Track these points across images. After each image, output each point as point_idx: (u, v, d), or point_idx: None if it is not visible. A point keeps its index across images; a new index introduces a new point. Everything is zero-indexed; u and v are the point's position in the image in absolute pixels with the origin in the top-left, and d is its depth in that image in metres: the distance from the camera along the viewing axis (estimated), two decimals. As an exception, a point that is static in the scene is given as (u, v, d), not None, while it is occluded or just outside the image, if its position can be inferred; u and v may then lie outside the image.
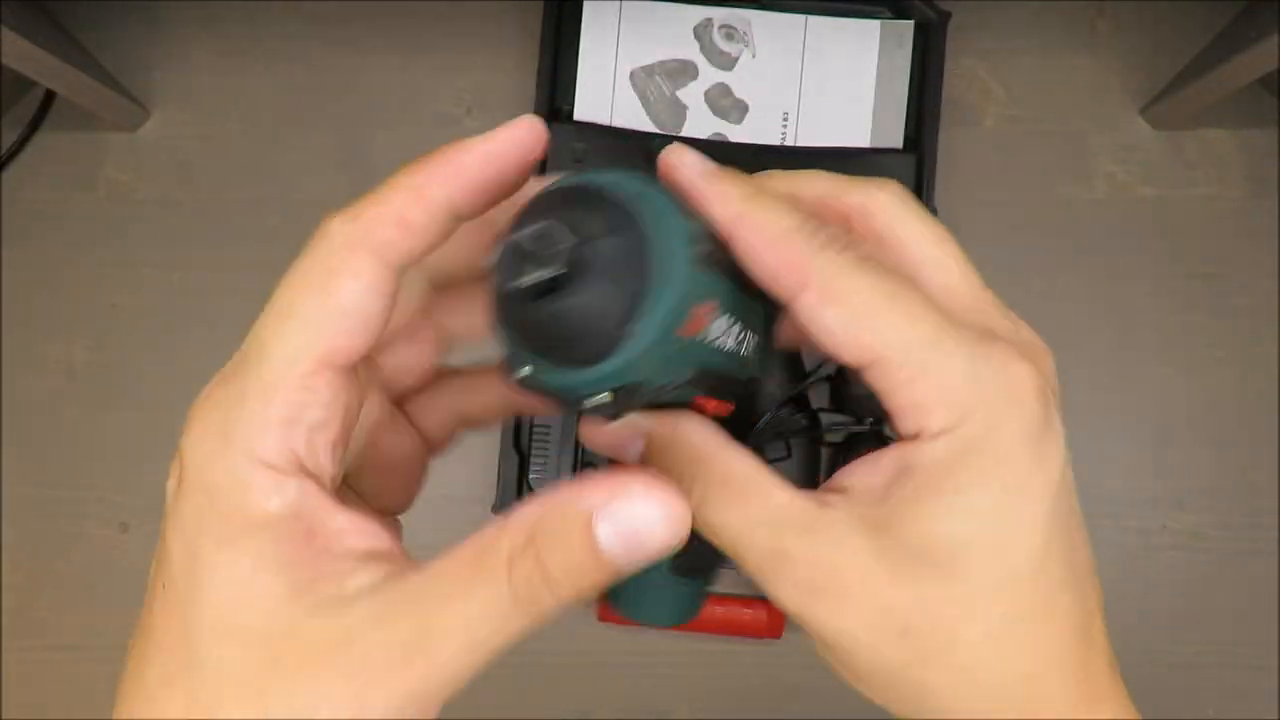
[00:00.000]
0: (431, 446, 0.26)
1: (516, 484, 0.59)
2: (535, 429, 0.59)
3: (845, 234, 0.21)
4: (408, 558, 0.20)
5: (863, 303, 0.20)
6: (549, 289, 0.18)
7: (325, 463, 0.20)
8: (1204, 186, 0.65)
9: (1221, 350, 0.64)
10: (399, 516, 0.26)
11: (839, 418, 0.60)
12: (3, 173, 0.67)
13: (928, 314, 0.21)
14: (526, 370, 0.19)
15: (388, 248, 0.19)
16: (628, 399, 0.19)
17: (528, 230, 0.17)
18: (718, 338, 0.21)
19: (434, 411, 0.26)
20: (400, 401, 0.25)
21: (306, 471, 0.19)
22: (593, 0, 0.62)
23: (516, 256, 0.17)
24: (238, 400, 0.19)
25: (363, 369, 0.21)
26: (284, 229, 0.66)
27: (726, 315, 0.21)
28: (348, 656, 0.18)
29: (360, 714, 0.17)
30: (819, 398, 0.61)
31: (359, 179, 0.66)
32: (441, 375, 0.26)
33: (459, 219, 0.20)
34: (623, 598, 0.31)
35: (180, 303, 0.65)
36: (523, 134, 0.20)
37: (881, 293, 0.20)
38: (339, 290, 0.19)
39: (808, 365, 0.61)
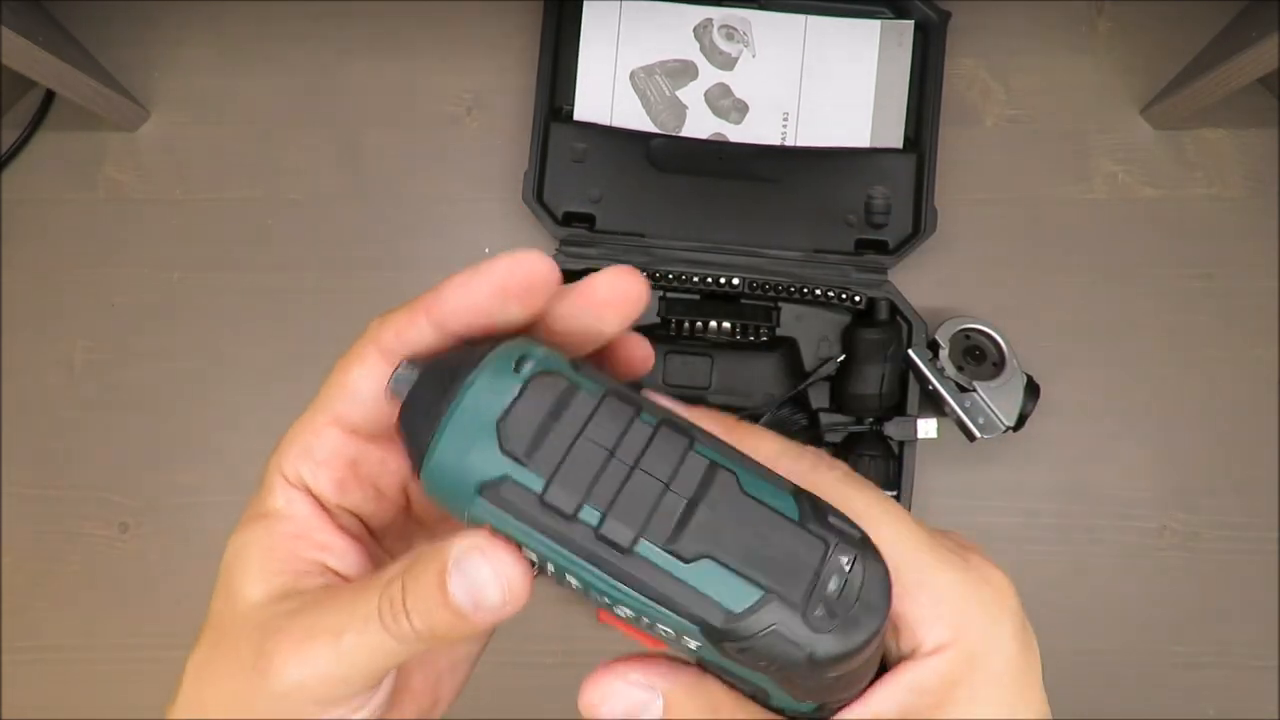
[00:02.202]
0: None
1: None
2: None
3: (822, 456, 0.24)
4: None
5: (860, 512, 0.21)
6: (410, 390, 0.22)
7: (326, 491, 0.25)
8: (1204, 186, 0.65)
9: (1221, 350, 0.64)
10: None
11: (839, 418, 0.60)
12: (3, 173, 0.67)
13: (916, 529, 0.23)
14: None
15: (390, 347, 0.24)
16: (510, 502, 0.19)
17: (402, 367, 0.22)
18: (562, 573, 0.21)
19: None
20: None
21: (309, 491, 0.25)
22: (593, 0, 0.62)
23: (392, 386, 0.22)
24: (293, 426, 0.25)
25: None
26: (283, 229, 0.66)
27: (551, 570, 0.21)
28: (259, 639, 0.22)
29: (250, 686, 0.22)
30: (819, 398, 0.61)
31: (358, 179, 0.66)
32: None
33: (457, 335, 0.24)
34: None
35: (180, 303, 0.65)
36: (526, 269, 0.24)
37: (875, 504, 0.22)
38: (349, 372, 0.24)
39: (808, 365, 0.61)
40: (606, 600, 0.20)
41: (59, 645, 0.63)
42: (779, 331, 0.62)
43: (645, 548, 0.19)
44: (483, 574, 0.20)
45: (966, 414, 0.58)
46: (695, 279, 0.60)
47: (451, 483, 0.20)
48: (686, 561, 0.19)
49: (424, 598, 0.21)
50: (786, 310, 0.62)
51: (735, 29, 0.63)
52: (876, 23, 0.63)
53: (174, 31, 0.67)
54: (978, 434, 0.58)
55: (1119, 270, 0.65)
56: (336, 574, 0.25)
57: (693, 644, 0.20)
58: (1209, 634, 0.62)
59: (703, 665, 0.21)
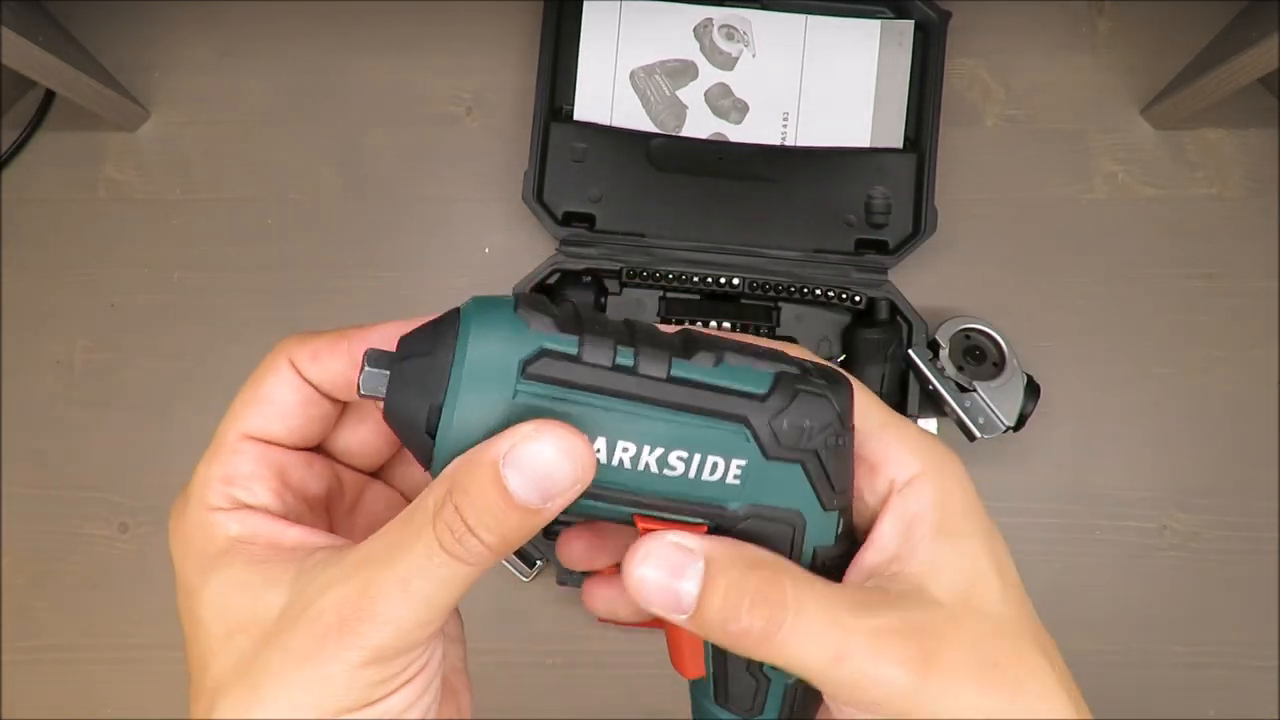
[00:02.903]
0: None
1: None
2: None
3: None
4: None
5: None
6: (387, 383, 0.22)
7: (268, 502, 0.24)
8: (1204, 186, 0.65)
9: (1221, 350, 0.64)
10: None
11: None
12: (3, 173, 0.67)
13: (875, 398, 0.26)
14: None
15: (302, 364, 0.25)
16: None
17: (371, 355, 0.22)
18: (599, 452, 0.22)
19: None
20: None
21: (251, 508, 0.24)
22: (593, 0, 0.62)
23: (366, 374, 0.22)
24: (193, 476, 0.25)
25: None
26: (283, 228, 0.66)
27: (593, 432, 0.21)
28: (308, 620, 0.21)
29: (323, 677, 0.20)
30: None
31: (358, 178, 0.66)
32: None
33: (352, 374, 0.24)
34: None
35: (180, 302, 0.65)
36: None
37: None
38: (263, 384, 0.25)
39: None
40: (658, 457, 0.21)
41: (59, 645, 0.63)
42: (779, 331, 0.62)
43: (679, 367, 0.21)
44: (546, 455, 0.20)
45: (966, 414, 0.58)
46: (695, 279, 0.60)
47: (487, 389, 0.20)
48: (714, 365, 0.22)
49: (485, 509, 0.20)
50: (786, 310, 0.62)
51: (735, 29, 0.63)
52: (876, 23, 0.63)
53: (174, 31, 0.67)
54: (978, 434, 0.58)
55: (1119, 270, 0.65)
56: (328, 546, 0.24)
57: (739, 464, 0.22)
58: (1209, 634, 0.62)
59: (741, 533, 0.23)
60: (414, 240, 0.65)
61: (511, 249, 0.65)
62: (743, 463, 0.22)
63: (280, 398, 0.24)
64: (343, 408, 0.26)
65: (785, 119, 0.63)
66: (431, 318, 0.22)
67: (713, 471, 0.22)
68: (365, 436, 0.27)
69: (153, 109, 0.67)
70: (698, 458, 0.22)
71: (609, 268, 0.60)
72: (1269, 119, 0.65)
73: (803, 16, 0.63)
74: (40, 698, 0.63)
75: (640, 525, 0.22)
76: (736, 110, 0.63)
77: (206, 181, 0.67)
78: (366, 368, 0.22)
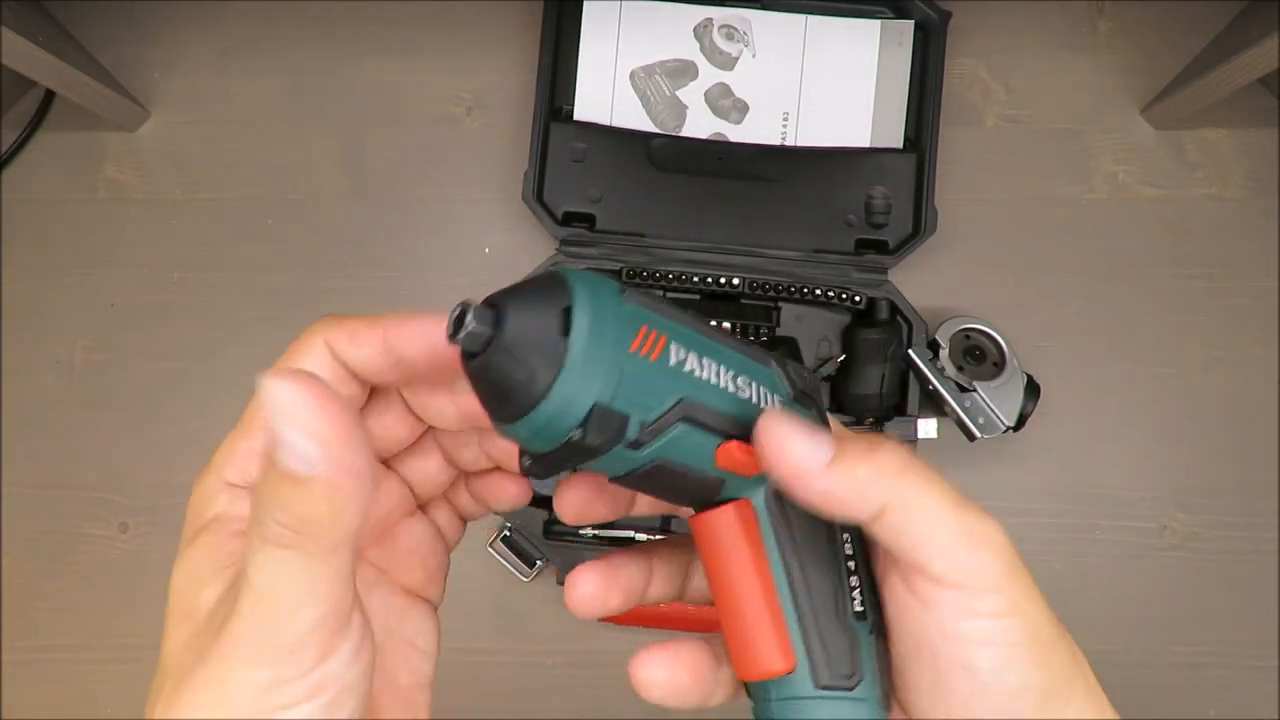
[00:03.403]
0: (445, 538, 0.30)
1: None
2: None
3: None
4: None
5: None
6: (488, 341, 0.21)
7: None
8: (1204, 186, 0.65)
9: (1221, 350, 0.64)
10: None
11: (839, 418, 0.60)
12: (3, 173, 0.67)
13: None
14: (512, 433, 0.22)
15: (339, 348, 0.24)
16: (611, 426, 0.21)
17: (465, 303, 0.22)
18: (693, 368, 0.23)
19: (444, 507, 0.30)
20: (423, 505, 0.30)
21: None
22: (593, 0, 0.62)
23: (456, 319, 0.21)
24: (221, 443, 0.25)
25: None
26: (283, 228, 0.66)
27: (687, 346, 0.23)
28: (220, 623, 0.21)
29: (226, 679, 0.21)
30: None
31: (358, 178, 0.66)
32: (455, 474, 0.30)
33: (401, 361, 0.24)
34: None
35: (180, 302, 0.65)
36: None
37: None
38: (296, 364, 0.24)
39: (808, 366, 0.61)
40: (732, 378, 0.24)
41: (59, 645, 0.63)
42: (779, 331, 0.62)
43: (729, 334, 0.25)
44: (278, 410, 0.19)
45: (966, 414, 0.58)
46: (695, 279, 0.60)
47: (599, 361, 0.21)
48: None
49: (264, 490, 0.20)
50: (786, 310, 0.62)
51: (735, 29, 0.63)
52: (876, 23, 0.63)
53: (174, 31, 0.67)
54: (978, 434, 0.58)
55: (1119, 270, 0.65)
56: None
57: (779, 399, 0.25)
58: (1209, 634, 0.62)
59: None
60: (414, 240, 0.65)
61: (511, 249, 0.65)
62: (780, 398, 0.25)
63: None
64: (369, 395, 0.26)
65: (785, 119, 0.63)
66: (526, 280, 0.23)
67: (766, 402, 0.25)
68: (388, 426, 0.27)
69: (153, 109, 0.67)
70: (755, 387, 0.25)
71: (609, 268, 0.60)
72: (1269, 119, 0.65)
73: (803, 16, 0.63)
74: (40, 698, 0.63)
75: (723, 453, 0.24)
76: (736, 110, 0.63)
77: (206, 181, 0.67)
78: (471, 321, 0.21)
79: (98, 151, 0.67)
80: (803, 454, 0.23)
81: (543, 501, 0.60)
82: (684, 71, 0.63)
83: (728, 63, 0.63)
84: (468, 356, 0.22)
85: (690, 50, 0.63)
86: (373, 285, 0.65)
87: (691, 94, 0.63)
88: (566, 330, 0.21)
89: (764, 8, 0.63)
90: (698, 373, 0.23)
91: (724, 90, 0.63)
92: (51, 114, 0.67)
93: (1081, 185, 0.65)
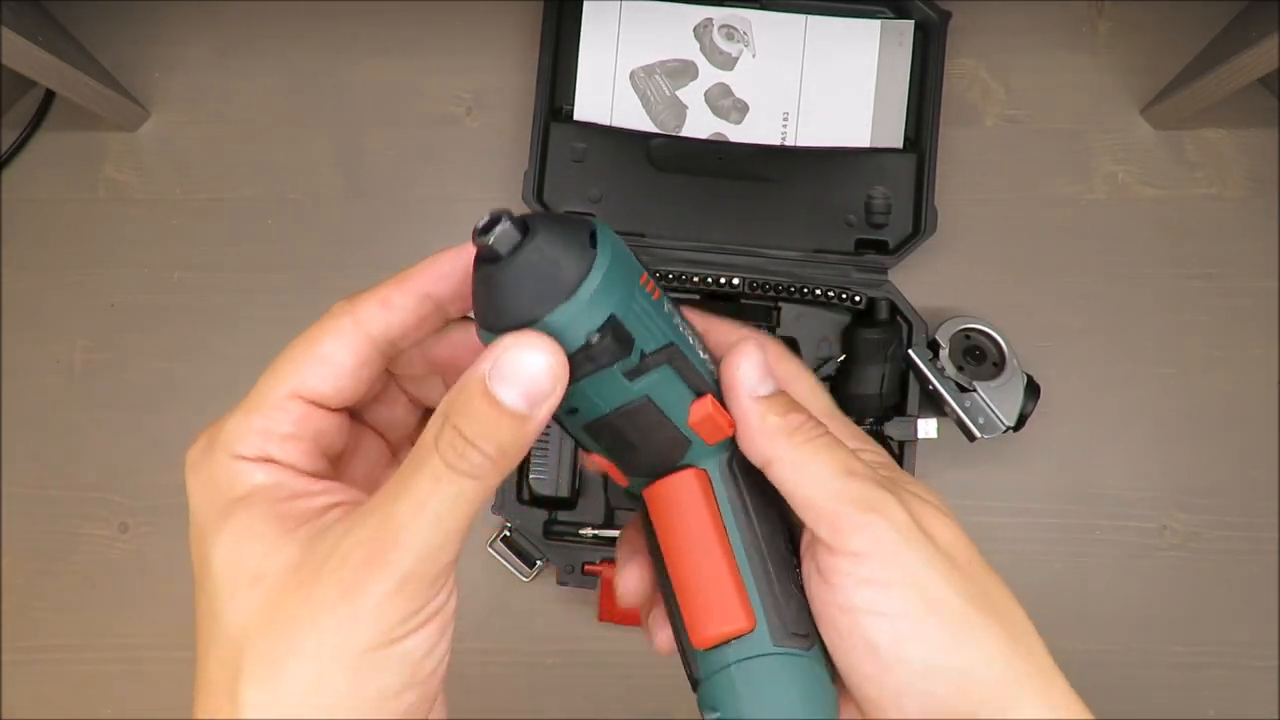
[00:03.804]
0: None
1: (516, 484, 0.59)
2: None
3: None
4: None
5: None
6: (518, 246, 0.23)
7: (297, 461, 0.24)
8: (1204, 186, 0.65)
9: (1221, 350, 0.64)
10: None
11: (839, 418, 0.60)
12: (3, 173, 0.67)
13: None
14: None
15: (369, 318, 0.25)
16: (621, 340, 0.23)
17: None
18: (679, 324, 0.25)
19: None
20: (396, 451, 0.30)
21: (279, 462, 0.24)
22: (593, 0, 0.62)
23: (487, 223, 0.23)
24: (224, 420, 0.24)
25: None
26: (283, 228, 0.66)
27: (674, 307, 0.25)
28: (332, 566, 0.22)
29: (353, 612, 0.21)
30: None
31: (358, 179, 0.66)
32: None
33: (438, 306, 0.26)
34: (716, 687, 0.26)
35: (180, 302, 0.65)
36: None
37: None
38: (321, 342, 0.25)
39: (809, 364, 0.61)
40: (701, 344, 0.26)
41: (59, 645, 0.63)
42: (779, 331, 0.62)
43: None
44: (525, 360, 0.22)
45: (966, 414, 0.58)
46: (695, 279, 0.60)
47: (618, 281, 0.23)
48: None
49: (479, 420, 0.22)
50: (786, 310, 0.62)
51: (735, 29, 0.63)
52: (876, 23, 0.63)
53: (174, 31, 0.67)
54: (978, 434, 0.58)
55: (1119, 270, 0.65)
56: (350, 504, 0.24)
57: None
58: (1209, 634, 0.62)
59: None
60: (414, 240, 0.65)
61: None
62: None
63: (338, 358, 0.25)
64: (387, 379, 0.27)
65: (785, 119, 0.63)
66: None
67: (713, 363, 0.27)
68: (402, 411, 0.28)
69: (153, 109, 0.67)
70: (708, 358, 0.27)
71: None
72: (1269, 119, 0.65)
73: (803, 16, 0.63)
74: (40, 698, 0.63)
75: (698, 406, 0.26)
76: (736, 110, 0.63)
77: (206, 181, 0.67)
78: (505, 223, 0.23)
79: (98, 151, 0.67)
80: (749, 376, 0.26)
81: (543, 501, 0.60)
82: (684, 71, 0.63)
83: (728, 63, 0.63)
84: (489, 261, 0.23)
85: (690, 50, 0.63)
86: (372, 285, 0.65)
87: (691, 94, 0.63)
88: (594, 245, 0.23)
89: (764, 8, 0.63)
90: (682, 329, 0.25)
91: (724, 90, 0.63)
92: (51, 114, 0.67)
93: (1081, 185, 0.65)
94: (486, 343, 0.23)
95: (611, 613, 0.59)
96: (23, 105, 0.67)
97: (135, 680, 0.62)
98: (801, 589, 0.26)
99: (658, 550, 0.27)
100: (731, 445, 0.27)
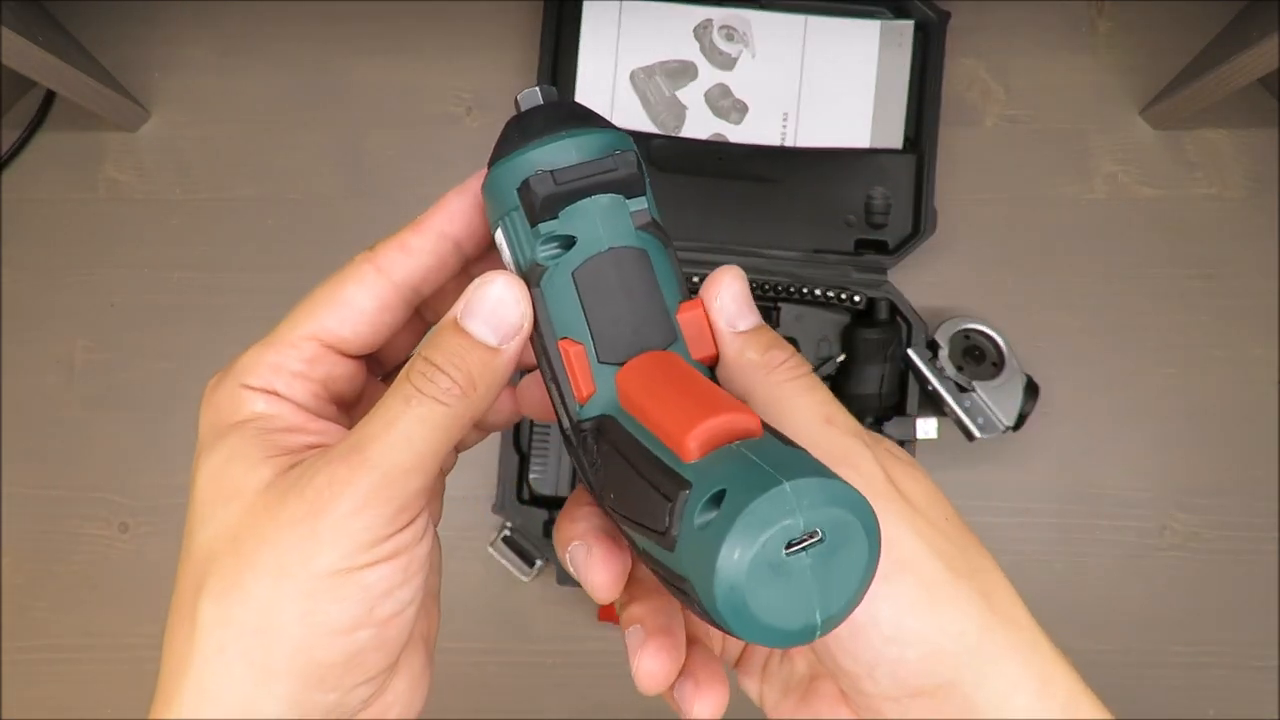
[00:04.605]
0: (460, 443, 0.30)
1: (516, 484, 0.59)
2: (535, 430, 0.59)
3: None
4: None
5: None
6: (543, 105, 0.26)
7: (302, 400, 0.25)
8: (1204, 186, 0.65)
9: (1221, 350, 0.64)
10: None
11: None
12: (3, 173, 0.67)
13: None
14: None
15: (391, 265, 0.26)
16: (634, 175, 0.24)
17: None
18: (669, 248, 0.25)
19: None
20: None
21: (283, 396, 0.24)
22: (593, 0, 0.62)
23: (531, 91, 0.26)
24: (244, 353, 0.25)
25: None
26: (283, 228, 0.66)
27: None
28: (299, 485, 0.22)
29: (313, 532, 0.21)
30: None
31: (358, 178, 0.66)
32: None
33: (458, 246, 0.26)
34: (721, 595, 0.18)
35: (180, 302, 0.65)
36: None
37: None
38: (343, 288, 0.26)
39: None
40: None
41: (59, 645, 0.63)
42: (779, 332, 0.62)
43: None
44: (492, 294, 0.23)
45: (966, 414, 0.58)
46: (695, 279, 0.60)
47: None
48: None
49: (447, 349, 0.23)
50: (786, 310, 0.62)
51: (735, 29, 0.63)
52: (876, 23, 0.63)
53: (174, 31, 0.67)
54: (977, 434, 0.58)
55: (1119, 270, 0.65)
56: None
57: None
58: (1209, 634, 0.62)
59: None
60: (414, 240, 0.65)
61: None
62: None
63: (359, 303, 0.25)
64: (407, 320, 0.27)
65: (785, 119, 0.63)
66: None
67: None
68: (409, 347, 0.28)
69: (153, 109, 0.67)
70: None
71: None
72: (1269, 119, 0.65)
73: (802, 17, 0.63)
74: (40, 698, 0.63)
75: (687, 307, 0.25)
76: (736, 110, 0.63)
77: (206, 181, 0.67)
78: (542, 87, 0.26)
79: (98, 151, 0.67)
80: (728, 306, 0.25)
81: (543, 501, 0.60)
82: (684, 72, 0.63)
83: (727, 63, 0.63)
84: (536, 107, 0.26)
85: (690, 51, 0.63)
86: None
87: (691, 94, 0.63)
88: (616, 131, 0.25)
89: (764, 8, 0.63)
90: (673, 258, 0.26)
91: (724, 91, 0.63)
92: (52, 114, 0.67)
93: (1081, 185, 0.65)
94: (504, 171, 0.24)
95: (611, 613, 0.59)
96: (23, 105, 0.67)
97: (135, 680, 0.62)
98: None
99: (631, 437, 0.22)
100: (712, 373, 0.25)
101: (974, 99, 0.66)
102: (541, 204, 0.23)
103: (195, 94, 0.67)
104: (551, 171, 0.24)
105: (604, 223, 0.24)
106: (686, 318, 0.25)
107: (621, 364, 0.24)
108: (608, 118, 0.26)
